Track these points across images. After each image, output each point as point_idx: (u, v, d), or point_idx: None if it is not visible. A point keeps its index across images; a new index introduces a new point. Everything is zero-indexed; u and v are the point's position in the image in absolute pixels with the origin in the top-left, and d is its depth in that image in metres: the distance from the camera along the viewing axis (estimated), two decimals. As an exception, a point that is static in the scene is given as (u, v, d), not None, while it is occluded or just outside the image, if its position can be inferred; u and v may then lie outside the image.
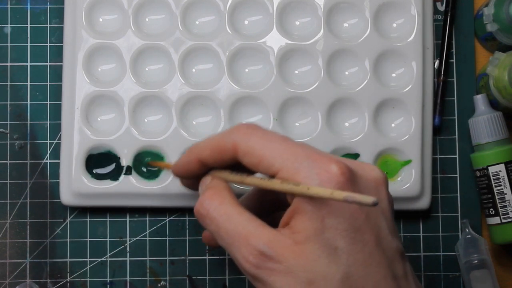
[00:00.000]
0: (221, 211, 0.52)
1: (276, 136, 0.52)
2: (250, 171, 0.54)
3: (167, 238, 0.70)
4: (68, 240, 0.70)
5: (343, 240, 0.49)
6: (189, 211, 0.70)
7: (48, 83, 0.71)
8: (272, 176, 0.51)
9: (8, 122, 0.70)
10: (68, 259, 0.70)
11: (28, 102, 0.71)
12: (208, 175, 0.56)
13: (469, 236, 0.70)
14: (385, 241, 0.51)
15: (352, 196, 0.46)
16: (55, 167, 0.70)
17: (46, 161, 0.70)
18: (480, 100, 0.70)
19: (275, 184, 0.51)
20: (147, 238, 0.70)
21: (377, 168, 0.53)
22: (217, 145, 0.54)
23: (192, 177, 0.57)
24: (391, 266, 0.50)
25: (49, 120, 0.71)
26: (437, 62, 0.72)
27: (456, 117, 0.72)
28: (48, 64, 0.71)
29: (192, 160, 0.56)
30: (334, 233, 0.49)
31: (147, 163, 0.68)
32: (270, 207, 0.58)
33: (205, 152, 0.55)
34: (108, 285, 0.70)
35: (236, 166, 0.55)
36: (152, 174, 0.68)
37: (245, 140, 0.53)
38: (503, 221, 0.68)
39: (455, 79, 0.72)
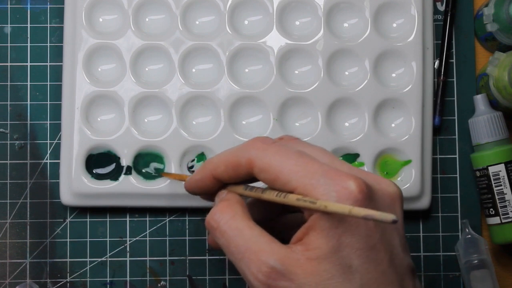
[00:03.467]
0: (232, 225, 0.51)
1: (291, 151, 0.52)
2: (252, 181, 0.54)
3: (167, 238, 0.70)
4: (68, 240, 0.70)
5: (358, 258, 0.49)
6: (189, 211, 0.70)
7: (48, 83, 0.71)
8: (289, 192, 0.51)
9: (8, 122, 0.70)
10: (68, 259, 0.70)
11: (28, 102, 0.71)
12: (224, 189, 0.56)
13: (469, 236, 0.70)
14: (398, 258, 0.50)
15: (371, 214, 0.45)
16: (55, 167, 0.70)
17: (46, 161, 0.70)
18: (480, 100, 0.70)
19: (292, 201, 0.50)
20: (147, 238, 0.70)
21: (392, 183, 0.52)
22: (232, 161, 0.54)
23: (206, 193, 0.57)
24: (402, 284, 0.50)
25: (49, 120, 0.71)
26: (437, 62, 0.72)
27: (456, 117, 0.72)
28: (48, 64, 0.71)
29: (206, 176, 0.55)
30: (350, 251, 0.49)
31: (160, 174, 0.68)
32: (271, 213, 0.58)
33: (219, 168, 0.54)
34: (108, 285, 0.70)
35: (250, 179, 0.54)
36: (152, 175, 0.68)
37: (261, 156, 0.52)
38: (503, 221, 0.68)
39: (455, 79, 0.72)
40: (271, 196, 0.52)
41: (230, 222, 0.52)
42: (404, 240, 0.52)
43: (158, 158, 0.68)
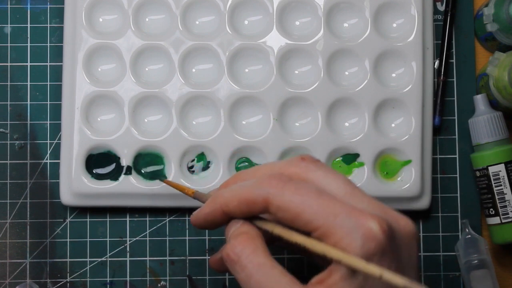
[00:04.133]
0: (254, 261, 0.51)
1: (311, 190, 0.51)
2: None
3: (167, 238, 0.70)
4: (68, 240, 0.70)
5: None
6: (189, 211, 0.70)
7: (48, 83, 0.71)
8: (308, 231, 0.51)
9: (8, 122, 0.70)
10: (68, 259, 0.70)
11: (28, 102, 0.71)
12: (237, 219, 0.54)
13: (469, 236, 0.70)
14: None
15: (401, 282, 0.46)
16: (55, 167, 0.70)
17: (46, 161, 0.70)
18: (480, 100, 0.70)
19: (323, 249, 0.50)
20: (147, 238, 0.70)
21: (409, 221, 0.53)
22: (246, 197, 0.53)
23: (214, 227, 0.56)
24: None
25: (49, 120, 0.71)
26: (437, 62, 0.72)
27: (456, 117, 0.72)
28: (48, 64, 0.71)
29: (216, 211, 0.54)
30: None
31: (162, 180, 0.67)
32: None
33: (231, 204, 0.53)
34: (108, 285, 0.70)
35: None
36: (152, 175, 0.68)
37: (279, 195, 0.51)
38: (503, 221, 0.68)
39: (455, 79, 0.72)
40: (299, 238, 0.51)
41: (251, 257, 0.51)
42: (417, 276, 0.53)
43: (158, 158, 0.68)
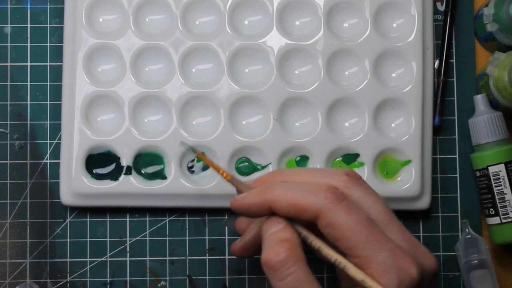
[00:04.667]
0: (294, 275, 0.51)
1: (363, 217, 0.52)
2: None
3: (167, 238, 0.70)
4: (68, 240, 0.70)
5: None
6: (189, 211, 0.70)
7: (48, 83, 0.71)
8: (348, 254, 0.52)
9: (8, 122, 0.70)
10: (68, 259, 0.70)
11: (28, 102, 0.71)
12: (280, 217, 0.54)
13: (469, 236, 0.70)
14: None
15: None
16: (55, 167, 0.70)
17: (46, 161, 0.70)
18: (480, 100, 0.70)
19: (363, 277, 0.51)
20: (147, 238, 0.70)
21: (435, 259, 0.55)
22: (298, 203, 0.53)
23: (253, 216, 0.56)
24: None
25: (49, 120, 0.71)
26: (437, 62, 0.72)
27: (456, 117, 0.72)
28: (48, 64, 0.71)
29: (262, 204, 0.54)
30: None
31: (196, 152, 0.64)
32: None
33: (280, 203, 0.54)
34: (108, 285, 0.70)
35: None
36: (152, 175, 0.68)
37: (331, 213, 0.52)
38: (503, 221, 0.68)
39: (455, 79, 0.72)
40: (339, 258, 0.52)
41: (292, 269, 0.51)
42: None
43: (158, 158, 0.68)
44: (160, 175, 0.68)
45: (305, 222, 0.54)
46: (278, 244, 0.53)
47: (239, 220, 0.62)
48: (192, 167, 0.69)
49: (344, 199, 0.53)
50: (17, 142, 0.70)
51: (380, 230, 0.52)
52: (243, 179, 0.68)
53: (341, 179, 0.55)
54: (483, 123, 0.69)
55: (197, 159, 0.69)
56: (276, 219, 0.54)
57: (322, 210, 0.52)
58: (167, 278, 0.70)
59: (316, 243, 0.54)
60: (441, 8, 0.72)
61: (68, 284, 0.70)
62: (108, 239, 0.70)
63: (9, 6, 0.71)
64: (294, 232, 0.54)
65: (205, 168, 0.69)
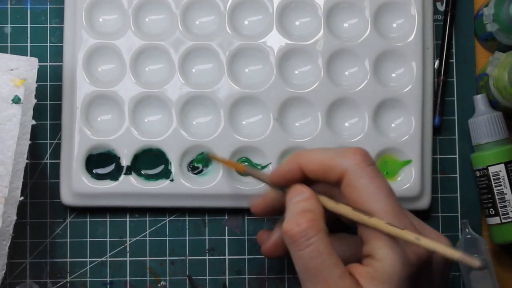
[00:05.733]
0: (314, 246, 0.52)
1: (384, 185, 0.53)
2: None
3: (167, 238, 0.70)
4: (68, 240, 0.70)
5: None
6: (189, 211, 0.70)
7: (48, 83, 0.71)
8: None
9: (8, 122, 0.70)
10: (68, 259, 0.70)
11: (28, 102, 0.71)
12: (304, 186, 0.55)
13: (469, 236, 0.70)
14: None
15: (463, 257, 0.48)
16: (55, 167, 0.70)
17: (46, 161, 0.70)
18: (480, 100, 0.70)
19: (384, 226, 0.51)
20: (147, 238, 0.70)
21: (448, 242, 0.56)
22: (326, 163, 0.54)
23: (288, 184, 0.57)
24: None
25: (49, 120, 0.71)
26: (437, 62, 0.72)
27: (456, 117, 0.72)
28: (48, 64, 0.71)
29: (294, 169, 0.56)
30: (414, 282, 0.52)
31: (208, 155, 0.67)
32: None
33: (310, 165, 0.55)
34: (108, 285, 0.70)
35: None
36: (152, 175, 0.68)
37: (356, 174, 0.53)
38: (503, 221, 0.68)
39: (455, 79, 0.72)
40: (366, 219, 0.52)
41: (312, 240, 0.52)
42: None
43: (158, 158, 0.68)
44: (160, 175, 0.68)
45: (332, 183, 0.54)
46: (300, 214, 0.53)
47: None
48: (197, 168, 0.69)
49: (371, 164, 0.53)
50: (17, 142, 0.70)
51: (398, 204, 0.53)
52: (243, 179, 0.68)
53: (351, 157, 0.55)
54: (483, 123, 0.69)
55: (203, 162, 0.68)
56: (301, 187, 0.55)
57: (348, 171, 0.53)
58: (167, 278, 0.70)
59: (343, 210, 0.54)
60: (441, 8, 0.72)
61: (68, 284, 0.70)
62: (108, 239, 0.70)
63: (9, 6, 0.71)
64: (317, 202, 0.54)
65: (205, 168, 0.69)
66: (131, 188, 0.68)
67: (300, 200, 0.54)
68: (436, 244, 0.49)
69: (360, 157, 0.53)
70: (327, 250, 0.52)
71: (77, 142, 0.68)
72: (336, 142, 0.68)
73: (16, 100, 0.62)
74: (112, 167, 0.68)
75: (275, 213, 0.60)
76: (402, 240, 0.51)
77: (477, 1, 0.73)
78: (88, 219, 0.70)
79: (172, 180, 0.68)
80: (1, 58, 0.63)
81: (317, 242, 0.52)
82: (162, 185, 0.68)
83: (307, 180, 0.56)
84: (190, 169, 0.69)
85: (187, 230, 0.70)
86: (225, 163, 0.65)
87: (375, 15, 0.69)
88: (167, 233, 0.70)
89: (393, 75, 0.70)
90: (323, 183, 0.56)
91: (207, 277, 0.70)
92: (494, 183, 0.68)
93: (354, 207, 0.53)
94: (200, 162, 0.68)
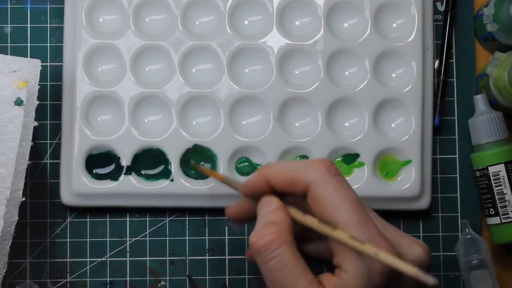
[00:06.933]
0: (278, 258, 0.52)
1: (349, 195, 0.53)
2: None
3: (167, 238, 0.70)
4: (68, 240, 0.70)
5: None
6: (189, 211, 0.70)
7: (48, 83, 0.71)
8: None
9: (8, 122, 0.70)
10: (68, 259, 0.70)
11: (28, 102, 0.71)
12: (273, 197, 0.56)
13: (469, 236, 0.70)
14: None
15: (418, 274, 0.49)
16: (55, 167, 0.70)
17: (46, 161, 0.70)
18: (480, 100, 0.70)
19: (346, 240, 0.52)
20: (147, 238, 0.70)
21: (422, 249, 0.56)
22: (291, 177, 0.54)
23: (259, 196, 0.57)
24: None
25: (49, 120, 0.71)
26: (437, 62, 0.72)
27: (456, 117, 0.72)
28: (48, 64, 0.71)
29: (262, 181, 0.56)
30: None
31: (191, 164, 0.68)
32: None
33: (277, 178, 0.55)
34: (108, 285, 0.70)
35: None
36: (152, 175, 0.68)
37: (320, 186, 0.53)
38: (503, 221, 0.68)
39: (455, 79, 0.72)
40: (327, 230, 0.53)
41: (276, 252, 0.52)
42: None
43: (158, 158, 0.68)
44: (160, 175, 0.68)
45: (299, 196, 0.54)
46: (264, 227, 0.53)
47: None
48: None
49: (336, 174, 0.53)
50: (17, 142, 0.70)
51: (365, 213, 0.53)
52: (243, 179, 0.68)
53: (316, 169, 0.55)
54: (483, 123, 0.69)
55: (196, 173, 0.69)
56: (269, 199, 0.56)
57: (311, 184, 0.53)
58: (167, 278, 0.70)
59: (310, 223, 0.54)
60: (441, 8, 0.72)
61: (68, 284, 0.70)
62: (108, 239, 0.70)
63: (9, 6, 0.71)
64: (284, 214, 0.54)
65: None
66: (131, 188, 0.68)
67: (266, 212, 0.55)
68: (393, 259, 0.50)
69: (324, 169, 0.53)
70: (292, 261, 0.52)
71: (77, 142, 0.68)
72: (336, 142, 0.68)
73: (19, 102, 0.62)
74: (112, 167, 0.68)
75: (250, 220, 0.60)
76: None
77: (477, 1, 0.73)
78: (88, 219, 0.70)
79: (172, 180, 0.68)
80: (3, 59, 0.63)
81: (281, 254, 0.52)
82: (162, 185, 0.68)
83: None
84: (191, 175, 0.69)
85: (187, 230, 0.70)
86: (205, 172, 0.66)
87: (375, 15, 0.69)
88: (167, 233, 0.70)
89: (393, 75, 0.70)
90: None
91: (207, 277, 0.70)
92: (494, 183, 0.68)
93: (321, 219, 0.53)
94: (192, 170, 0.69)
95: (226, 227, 0.70)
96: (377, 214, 0.57)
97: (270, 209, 0.55)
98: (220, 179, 0.62)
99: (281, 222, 0.54)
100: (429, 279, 0.47)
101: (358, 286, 0.51)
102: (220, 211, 0.70)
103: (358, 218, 0.52)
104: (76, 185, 0.68)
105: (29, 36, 0.71)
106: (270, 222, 0.54)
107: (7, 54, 0.71)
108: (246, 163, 0.69)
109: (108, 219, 0.70)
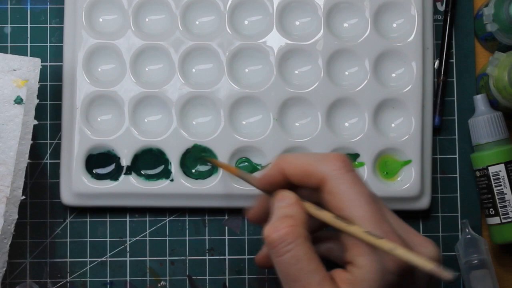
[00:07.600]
0: (292, 252, 0.52)
1: (364, 191, 0.53)
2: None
3: (167, 238, 0.70)
4: (68, 240, 0.70)
5: None
6: (189, 211, 0.70)
7: (48, 83, 0.71)
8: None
9: (8, 122, 0.70)
10: (68, 259, 0.70)
11: (28, 102, 0.71)
12: (289, 192, 0.56)
13: (469, 236, 0.70)
14: None
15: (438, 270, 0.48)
16: (55, 167, 0.70)
17: (46, 161, 0.70)
18: (480, 100, 0.70)
19: (362, 235, 0.51)
20: (147, 238, 0.70)
21: (434, 248, 0.55)
22: (307, 169, 0.54)
23: (274, 189, 0.57)
24: None
25: (49, 120, 0.71)
26: (437, 62, 0.72)
27: (456, 117, 0.72)
28: (48, 64, 0.71)
29: (279, 173, 0.56)
30: None
31: (203, 158, 0.67)
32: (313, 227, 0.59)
33: (292, 169, 0.55)
34: (108, 285, 0.70)
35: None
36: (152, 175, 0.68)
37: (336, 180, 0.53)
38: (503, 221, 0.68)
39: (455, 79, 0.72)
40: (346, 227, 0.52)
41: (291, 246, 0.52)
42: None
43: (158, 158, 0.68)
44: (160, 175, 0.68)
45: (313, 188, 0.54)
46: (279, 220, 0.53)
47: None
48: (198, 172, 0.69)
49: (352, 170, 0.53)
50: (17, 142, 0.70)
51: (379, 210, 0.52)
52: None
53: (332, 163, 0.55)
54: (483, 123, 0.69)
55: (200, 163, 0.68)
56: (285, 193, 0.55)
57: (327, 177, 0.53)
58: (167, 278, 0.70)
59: (325, 217, 0.54)
60: (441, 8, 0.72)
61: (68, 284, 0.70)
62: (108, 239, 0.70)
63: (9, 6, 0.71)
64: (300, 208, 0.54)
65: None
66: (131, 188, 0.68)
67: (282, 206, 0.55)
68: (411, 254, 0.49)
69: (340, 163, 0.53)
70: (306, 256, 0.52)
71: (77, 142, 0.68)
72: (336, 142, 0.68)
73: (18, 101, 0.62)
74: (112, 167, 0.68)
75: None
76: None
77: (477, 1, 0.73)
78: (88, 219, 0.70)
79: (172, 180, 0.68)
80: (3, 58, 0.63)
81: (295, 248, 0.52)
82: (162, 185, 0.68)
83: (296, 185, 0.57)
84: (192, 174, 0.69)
85: (187, 230, 0.70)
86: (220, 166, 0.65)
87: (375, 15, 0.69)
88: (167, 233, 0.70)
89: (393, 75, 0.70)
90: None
91: (207, 277, 0.70)
92: (494, 183, 0.68)
93: (336, 213, 0.53)
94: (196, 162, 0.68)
95: (226, 227, 0.70)
96: (392, 212, 0.56)
97: (286, 203, 0.55)
98: (234, 173, 0.62)
99: (297, 216, 0.53)
100: (447, 274, 0.47)
101: (371, 283, 0.51)
102: (220, 211, 0.70)
103: (373, 214, 0.52)
104: (76, 185, 0.68)
105: (29, 36, 0.71)
106: (286, 216, 0.53)
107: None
108: (246, 163, 0.69)
109: (108, 219, 0.70)
